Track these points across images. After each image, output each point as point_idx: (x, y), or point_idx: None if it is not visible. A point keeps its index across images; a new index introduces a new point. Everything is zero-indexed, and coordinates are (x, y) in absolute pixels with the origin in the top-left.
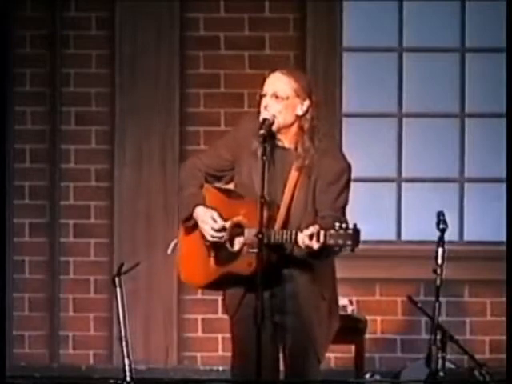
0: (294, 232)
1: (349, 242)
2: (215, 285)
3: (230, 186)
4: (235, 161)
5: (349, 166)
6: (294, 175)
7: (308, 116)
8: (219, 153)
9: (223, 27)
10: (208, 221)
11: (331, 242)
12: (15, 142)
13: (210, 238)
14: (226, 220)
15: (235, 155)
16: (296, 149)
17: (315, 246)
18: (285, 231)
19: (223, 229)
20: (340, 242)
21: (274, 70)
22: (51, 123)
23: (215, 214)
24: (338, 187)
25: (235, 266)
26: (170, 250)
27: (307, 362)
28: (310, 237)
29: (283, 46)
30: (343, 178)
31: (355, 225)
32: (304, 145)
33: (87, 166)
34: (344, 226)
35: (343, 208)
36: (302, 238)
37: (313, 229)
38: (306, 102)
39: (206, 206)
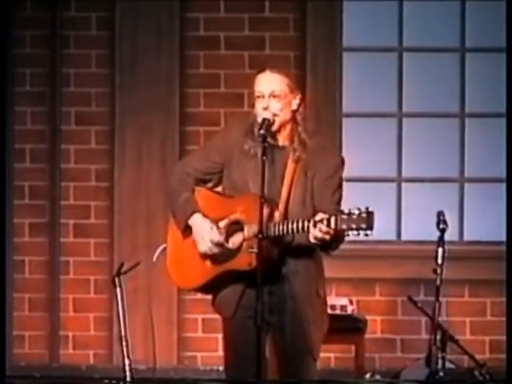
0: (306, 221)
1: (363, 226)
2: (211, 285)
3: (218, 190)
4: (225, 163)
5: (343, 161)
6: (290, 169)
7: (301, 109)
8: (209, 155)
9: (223, 27)
10: (208, 231)
11: (343, 226)
12: (15, 142)
13: (205, 250)
14: (222, 218)
15: (225, 157)
16: (292, 143)
17: (330, 231)
18: (295, 220)
19: (221, 244)
20: (353, 225)
21: (262, 70)
22: (51, 123)
23: (214, 227)
24: (335, 181)
25: (234, 263)
26: (155, 257)
27: (303, 361)
28: (321, 223)
29: (283, 46)
30: (339, 172)
31: (367, 208)
32: (300, 137)
33: (87, 166)
34: (355, 209)
35: (339, 203)
36: (313, 226)
37: (322, 215)
38: (298, 96)
39: (204, 215)
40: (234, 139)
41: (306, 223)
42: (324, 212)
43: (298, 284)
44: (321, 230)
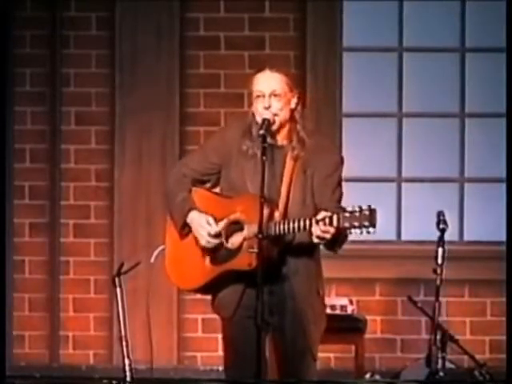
0: (307, 220)
1: (366, 223)
2: (211, 286)
3: (216, 191)
4: (223, 164)
5: (342, 159)
6: (289, 167)
7: (299, 108)
8: (206, 156)
9: (223, 27)
10: (204, 225)
11: (346, 224)
12: (15, 142)
13: (205, 244)
14: (221, 219)
15: (223, 158)
16: (291, 142)
17: (331, 230)
18: (296, 219)
19: (219, 234)
20: (356, 223)
21: (261, 70)
22: (51, 123)
23: (211, 219)
24: (335, 179)
25: (234, 263)
26: (152, 259)
27: (304, 361)
28: (323, 222)
29: (283, 45)
30: (339, 171)
31: (370, 205)
32: (298, 135)
33: (87, 166)
34: (357, 207)
35: (339, 201)
36: (315, 225)
37: (324, 213)
38: (297, 95)
39: (200, 211)
40: (232, 139)
41: (307, 222)
42: (325, 210)
43: (298, 283)
44: (322, 229)
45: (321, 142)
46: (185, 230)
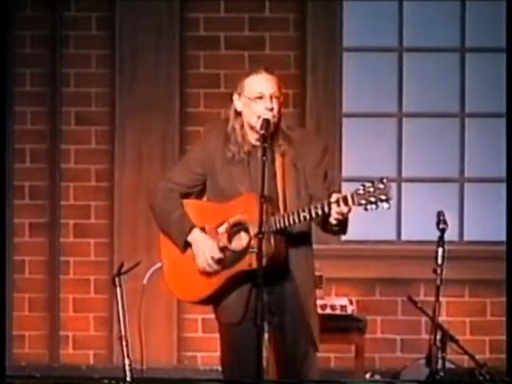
0: (319, 205)
1: (382, 197)
2: (220, 293)
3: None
4: (208, 173)
5: (327, 147)
6: (279, 163)
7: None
8: (189, 168)
9: (223, 27)
10: (210, 249)
11: (362, 201)
12: (15, 142)
13: (205, 267)
14: (221, 224)
15: (207, 168)
16: (276, 140)
17: (345, 210)
18: (306, 208)
19: (221, 260)
20: (372, 199)
21: (256, 71)
22: (51, 123)
23: (215, 244)
24: (323, 167)
25: (243, 264)
26: (145, 280)
27: (306, 360)
28: (337, 204)
29: (283, 46)
30: (326, 158)
31: (382, 178)
32: (283, 132)
33: (87, 166)
34: (369, 183)
35: (330, 187)
36: (335, 207)
37: (336, 195)
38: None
39: (201, 229)
40: (214, 148)
41: (318, 207)
42: (319, 199)
43: (300, 276)
44: (337, 211)
45: (304, 134)
46: (186, 247)
